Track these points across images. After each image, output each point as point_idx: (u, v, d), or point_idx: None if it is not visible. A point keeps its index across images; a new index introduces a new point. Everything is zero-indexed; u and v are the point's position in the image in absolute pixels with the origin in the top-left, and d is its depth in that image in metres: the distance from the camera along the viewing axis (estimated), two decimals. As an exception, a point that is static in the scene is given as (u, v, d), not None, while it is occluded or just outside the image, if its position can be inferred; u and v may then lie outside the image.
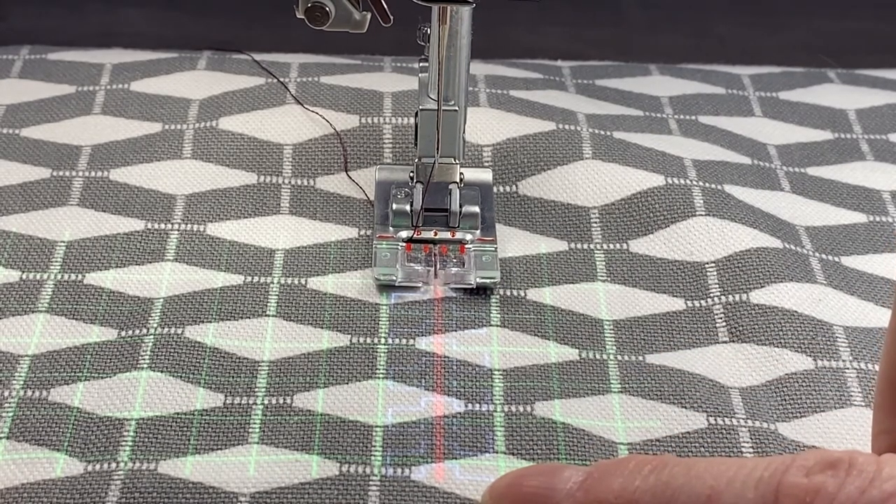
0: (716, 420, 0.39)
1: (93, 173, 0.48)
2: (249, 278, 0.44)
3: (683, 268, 0.45)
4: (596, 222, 0.47)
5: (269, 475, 0.37)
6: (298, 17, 0.42)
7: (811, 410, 0.40)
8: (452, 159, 0.45)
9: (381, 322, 0.42)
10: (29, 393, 0.39)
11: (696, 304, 0.44)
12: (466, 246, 0.45)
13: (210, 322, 0.42)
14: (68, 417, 0.38)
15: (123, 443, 0.37)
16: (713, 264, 0.45)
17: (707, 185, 0.48)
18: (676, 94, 0.55)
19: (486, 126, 0.50)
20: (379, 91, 0.52)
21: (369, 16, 0.42)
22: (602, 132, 0.50)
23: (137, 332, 0.41)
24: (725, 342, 0.42)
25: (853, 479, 0.28)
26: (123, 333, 0.41)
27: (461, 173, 0.46)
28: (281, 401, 0.39)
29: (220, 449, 0.37)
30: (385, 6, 0.42)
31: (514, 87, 0.53)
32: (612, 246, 0.46)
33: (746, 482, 0.29)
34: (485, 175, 0.47)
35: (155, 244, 0.45)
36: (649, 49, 0.60)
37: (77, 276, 0.43)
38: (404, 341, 0.41)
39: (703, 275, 0.45)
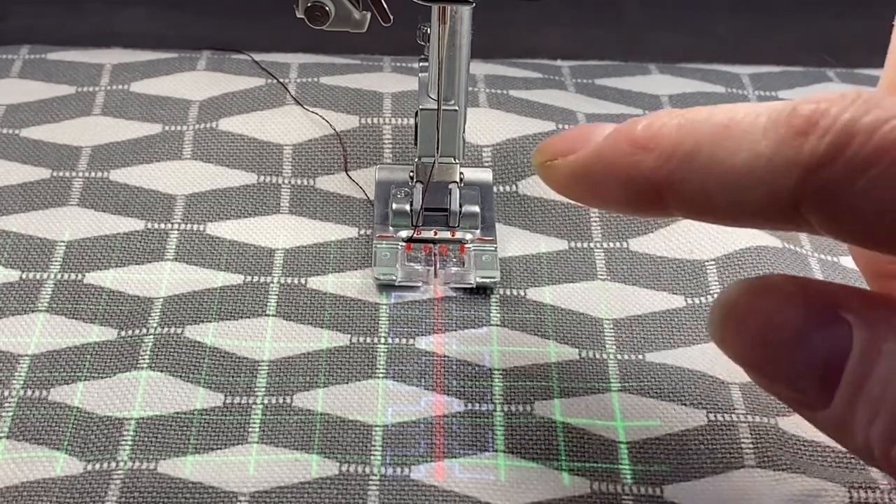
0: (716, 416, 0.39)
1: (93, 174, 0.48)
2: (249, 278, 0.44)
3: (683, 266, 0.45)
4: (595, 221, 0.47)
5: (269, 475, 0.37)
6: (298, 16, 0.42)
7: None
8: (452, 159, 0.45)
9: (380, 322, 0.42)
10: (29, 392, 0.39)
11: (696, 301, 0.44)
12: (466, 245, 0.45)
13: (210, 322, 0.42)
14: (68, 417, 0.38)
15: (123, 442, 0.37)
16: (713, 262, 0.45)
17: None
18: (676, 92, 0.55)
19: (486, 126, 0.50)
20: (379, 91, 0.52)
21: (369, 16, 0.42)
22: (602, 132, 0.50)
23: (137, 331, 0.41)
24: (725, 341, 0.42)
25: (861, 105, 0.30)
26: (123, 333, 0.41)
27: (461, 173, 0.46)
28: (281, 400, 0.39)
29: (220, 448, 0.37)
30: (385, 6, 0.42)
31: (514, 87, 0.53)
32: (611, 244, 0.46)
33: (763, 110, 0.31)
34: (485, 175, 0.47)
35: (155, 244, 0.45)
36: (649, 49, 0.60)
37: (77, 275, 0.44)
38: (404, 341, 0.42)
39: (703, 273, 0.45)
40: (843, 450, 0.38)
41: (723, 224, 0.34)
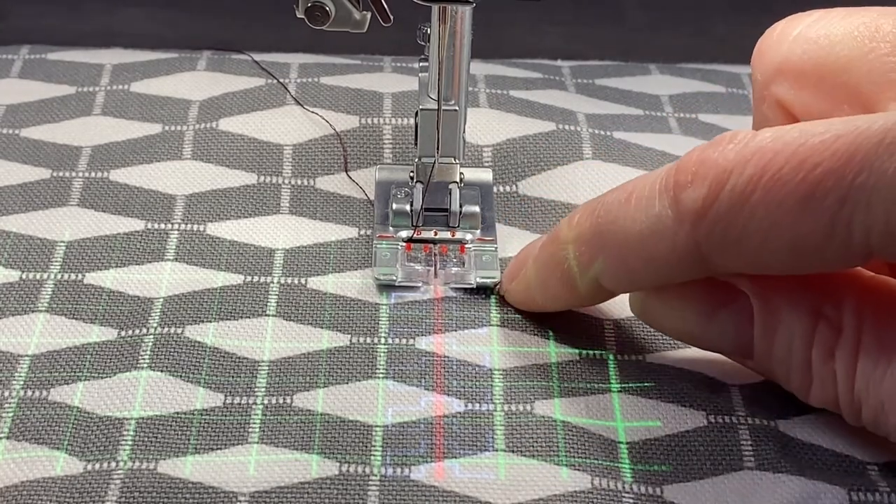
0: (716, 418, 0.39)
1: (93, 174, 0.48)
2: (249, 278, 0.44)
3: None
4: (596, 222, 0.47)
5: (269, 475, 0.37)
6: (298, 16, 0.42)
7: (811, 407, 0.40)
8: (452, 159, 0.45)
9: (381, 322, 0.42)
10: (29, 393, 0.39)
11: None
12: (466, 246, 0.45)
13: (210, 322, 0.42)
14: (68, 417, 0.38)
15: (123, 442, 0.37)
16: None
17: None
18: (676, 92, 0.55)
19: (486, 126, 0.50)
20: (379, 91, 0.52)
21: (369, 16, 0.42)
22: (602, 132, 0.50)
23: (137, 331, 0.41)
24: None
25: (732, 146, 0.34)
26: (123, 333, 0.41)
27: (461, 173, 0.46)
28: (281, 400, 0.39)
29: (220, 448, 0.37)
30: (385, 6, 0.42)
31: (514, 87, 0.53)
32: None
33: (656, 177, 0.36)
34: (485, 175, 0.47)
35: (155, 244, 0.45)
36: (649, 49, 0.60)
37: (77, 276, 0.44)
38: (404, 341, 0.41)
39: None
40: (843, 452, 0.38)
41: (645, 287, 0.39)
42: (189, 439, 0.38)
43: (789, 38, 0.39)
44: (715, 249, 0.34)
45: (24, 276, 0.43)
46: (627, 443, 0.38)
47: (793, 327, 0.36)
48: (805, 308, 0.36)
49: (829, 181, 0.32)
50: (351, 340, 0.41)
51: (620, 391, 0.40)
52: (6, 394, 0.39)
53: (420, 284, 0.44)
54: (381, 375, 0.40)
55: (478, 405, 0.39)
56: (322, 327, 0.42)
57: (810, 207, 0.32)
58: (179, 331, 0.41)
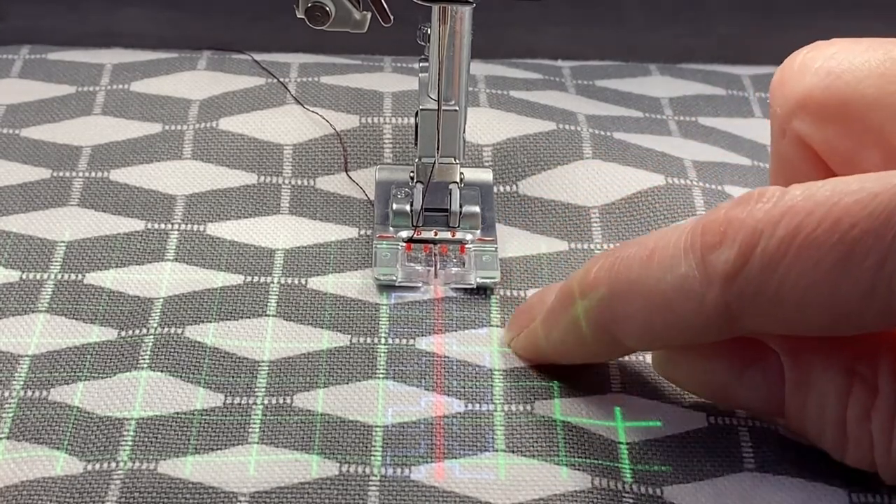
0: (716, 419, 0.39)
1: (93, 174, 0.48)
2: (249, 278, 0.44)
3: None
4: (596, 222, 0.47)
5: (269, 475, 0.37)
6: (298, 17, 0.42)
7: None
8: (452, 159, 0.45)
9: (381, 322, 0.42)
10: (29, 393, 0.39)
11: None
12: (466, 246, 0.45)
13: (210, 322, 0.42)
14: (68, 417, 0.38)
15: (123, 442, 0.37)
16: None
17: (707, 185, 0.48)
18: (676, 95, 0.55)
19: (486, 126, 0.50)
20: (379, 91, 0.52)
21: (369, 16, 0.42)
22: (602, 132, 0.50)
23: (137, 331, 0.41)
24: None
25: (761, 205, 0.33)
26: (123, 333, 0.41)
27: (461, 173, 0.46)
28: (281, 401, 0.39)
29: (220, 449, 0.37)
30: (385, 6, 0.42)
31: (514, 88, 0.53)
32: (612, 246, 0.46)
33: (680, 234, 0.34)
34: (485, 175, 0.47)
35: (155, 244, 0.45)
36: (649, 49, 0.60)
37: (77, 276, 0.43)
38: (404, 341, 0.41)
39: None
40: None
41: (670, 346, 0.37)
42: (189, 439, 0.38)
43: (811, 70, 0.37)
44: (746, 312, 0.33)
45: (24, 277, 0.43)
46: (627, 443, 0.38)
47: (826, 387, 0.35)
48: (839, 367, 0.34)
49: (867, 241, 0.31)
50: (351, 340, 0.41)
51: (621, 391, 0.40)
52: (6, 394, 0.39)
53: (420, 284, 0.44)
54: (381, 376, 0.40)
55: (478, 405, 0.39)
56: (322, 327, 0.42)
57: (848, 269, 0.31)
58: (179, 331, 0.41)
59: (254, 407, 0.39)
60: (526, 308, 0.41)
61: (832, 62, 0.37)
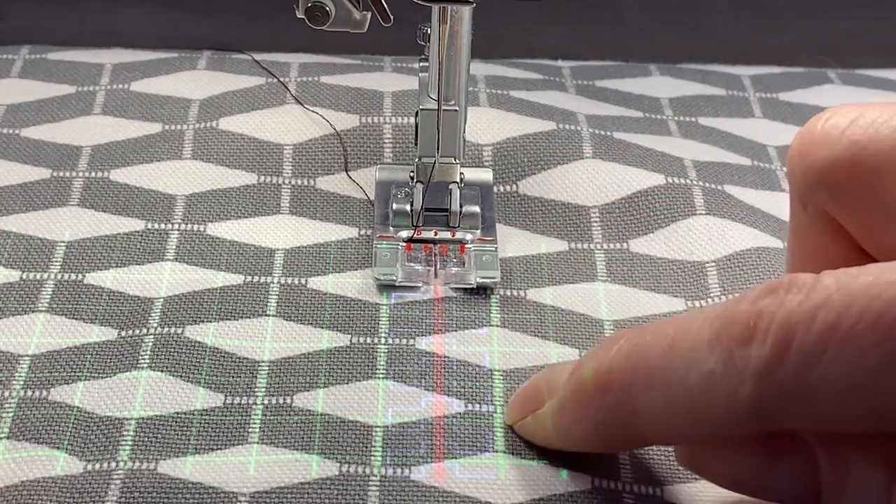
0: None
1: (93, 173, 0.48)
2: (249, 278, 0.44)
3: (684, 267, 0.45)
4: (596, 222, 0.47)
5: (269, 475, 0.37)
6: (298, 17, 0.42)
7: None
8: (452, 159, 0.45)
9: (381, 322, 0.42)
10: (29, 393, 0.39)
11: (697, 304, 0.44)
12: (466, 246, 0.45)
13: (210, 322, 0.42)
14: (68, 417, 0.38)
15: (123, 442, 0.37)
16: (713, 263, 0.45)
17: (707, 184, 0.48)
18: (676, 95, 0.55)
19: (486, 126, 0.50)
20: (379, 91, 0.52)
21: (369, 16, 0.42)
22: (602, 132, 0.50)
23: (137, 331, 0.41)
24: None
25: (792, 297, 0.30)
26: (123, 333, 0.41)
27: (461, 173, 0.46)
28: (281, 401, 0.39)
29: (220, 449, 0.37)
30: (385, 6, 0.42)
31: (514, 88, 0.53)
32: (612, 245, 0.46)
33: (703, 324, 0.31)
34: (485, 175, 0.47)
35: (155, 244, 0.45)
36: (649, 49, 0.60)
37: (77, 276, 0.43)
38: (404, 341, 0.41)
39: (704, 274, 0.45)
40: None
41: (696, 441, 0.35)
42: (189, 439, 0.38)
43: (833, 139, 0.34)
44: (782, 410, 0.31)
45: (24, 276, 0.43)
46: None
47: (867, 480, 0.32)
48: (879, 458, 0.32)
49: None
50: (351, 340, 0.41)
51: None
52: (6, 394, 0.39)
53: (420, 284, 0.44)
54: (381, 376, 0.40)
55: (478, 405, 0.39)
56: (322, 327, 0.42)
57: (894, 368, 0.29)
58: (179, 331, 0.41)
59: (254, 407, 0.39)
60: (532, 391, 0.38)
61: (855, 132, 0.34)
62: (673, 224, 0.46)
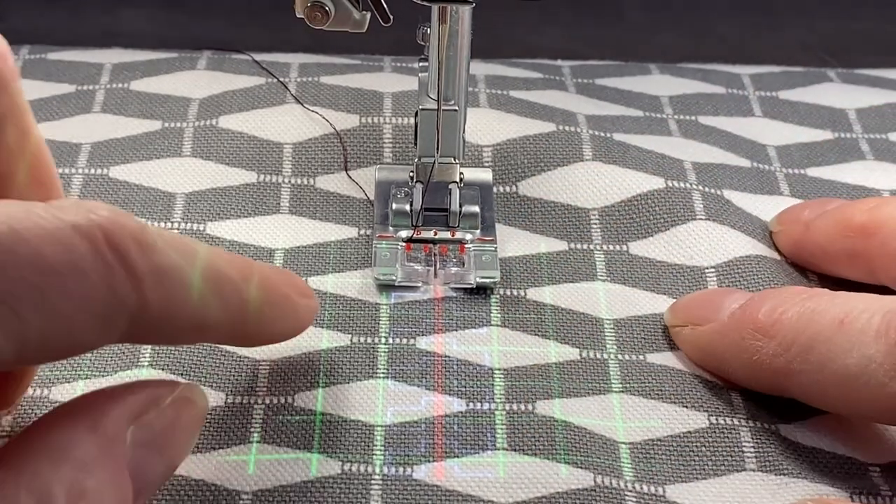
0: (717, 419, 0.39)
1: (92, 171, 0.48)
2: (249, 278, 0.44)
3: (683, 272, 0.45)
4: (596, 223, 0.47)
5: (271, 474, 0.37)
6: (298, 16, 0.42)
7: (812, 412, 0.40)
8: (452, 159, 0.45)
9: (381, 322, 0.42)
10: (30, 391, 0.39)
11: (697, 304, 0.44)
12: (466, 246, 0.45)
13: (210, 321, 0.42)
14: (69, 416, 0.38)
15: (124, 442, 0.37)
16: (713, 269, 0.45)
17: (707, 189, 0.48)
18: (676, 93, 0.55)
19: (486, 126, 0.50)
20: (379, 91, 0.52)
21: (369, 16, 0.42)
22: (602, 134, 0.50)
23: (138, 331, 0.41)
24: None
25: None
26: (124, 332, 0.41)
27: (461, 173, 0.46)
28: (281, 400, 0.39)
29: (221, 448, 0.37)
30: (385, 6, 0.42)
31: (514, 88, 0.53)
32: (611, 247, 0.46)
33: (877, 312, 0.33)
34: (485, 175, 0.47)
35: (155, 243, 0.45)
36: (649, 49, 0.60)
37: (77, 275, 0.43)
38: (404, 341, 0.41)
39: (703, 280, 0.45)
40: (845, 455, 0.38)
41: (836, 412, 0.37)
42: (189, 438, 0.38)
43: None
44: None
45: (24, 276, 0.43)
46: (628, 443, 0.38)
47: None
48: None
49: None
50: (351, 340, 0.41)
51: (621, 391, 0.40)
52: (6, 393, 0.39)
53: (420, 284, 0.44)
54: (381, 375, 0.40)
55: (478, 404, 0.39)
56: (322, 327, 0.42)
57: None
58: (180, 330, 0.41)
59: (255, 406, 0.39)
60: (704, 303, 0.40)
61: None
62: (672, 228, 0.46)
